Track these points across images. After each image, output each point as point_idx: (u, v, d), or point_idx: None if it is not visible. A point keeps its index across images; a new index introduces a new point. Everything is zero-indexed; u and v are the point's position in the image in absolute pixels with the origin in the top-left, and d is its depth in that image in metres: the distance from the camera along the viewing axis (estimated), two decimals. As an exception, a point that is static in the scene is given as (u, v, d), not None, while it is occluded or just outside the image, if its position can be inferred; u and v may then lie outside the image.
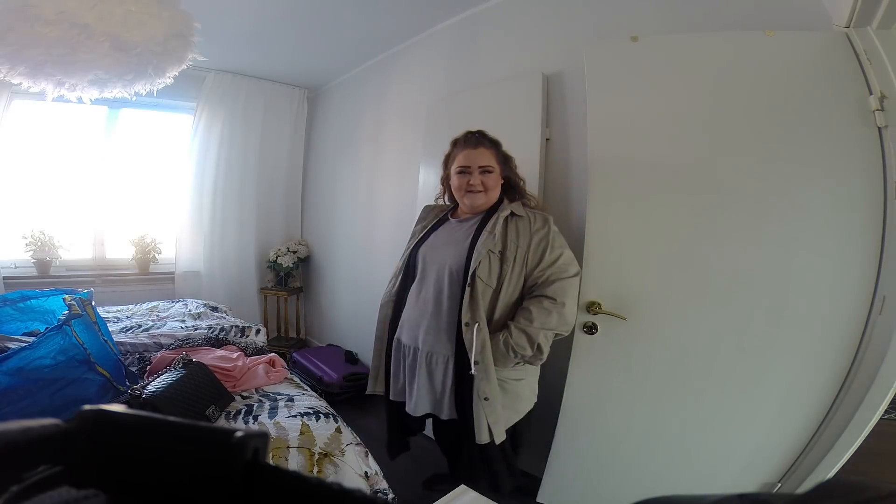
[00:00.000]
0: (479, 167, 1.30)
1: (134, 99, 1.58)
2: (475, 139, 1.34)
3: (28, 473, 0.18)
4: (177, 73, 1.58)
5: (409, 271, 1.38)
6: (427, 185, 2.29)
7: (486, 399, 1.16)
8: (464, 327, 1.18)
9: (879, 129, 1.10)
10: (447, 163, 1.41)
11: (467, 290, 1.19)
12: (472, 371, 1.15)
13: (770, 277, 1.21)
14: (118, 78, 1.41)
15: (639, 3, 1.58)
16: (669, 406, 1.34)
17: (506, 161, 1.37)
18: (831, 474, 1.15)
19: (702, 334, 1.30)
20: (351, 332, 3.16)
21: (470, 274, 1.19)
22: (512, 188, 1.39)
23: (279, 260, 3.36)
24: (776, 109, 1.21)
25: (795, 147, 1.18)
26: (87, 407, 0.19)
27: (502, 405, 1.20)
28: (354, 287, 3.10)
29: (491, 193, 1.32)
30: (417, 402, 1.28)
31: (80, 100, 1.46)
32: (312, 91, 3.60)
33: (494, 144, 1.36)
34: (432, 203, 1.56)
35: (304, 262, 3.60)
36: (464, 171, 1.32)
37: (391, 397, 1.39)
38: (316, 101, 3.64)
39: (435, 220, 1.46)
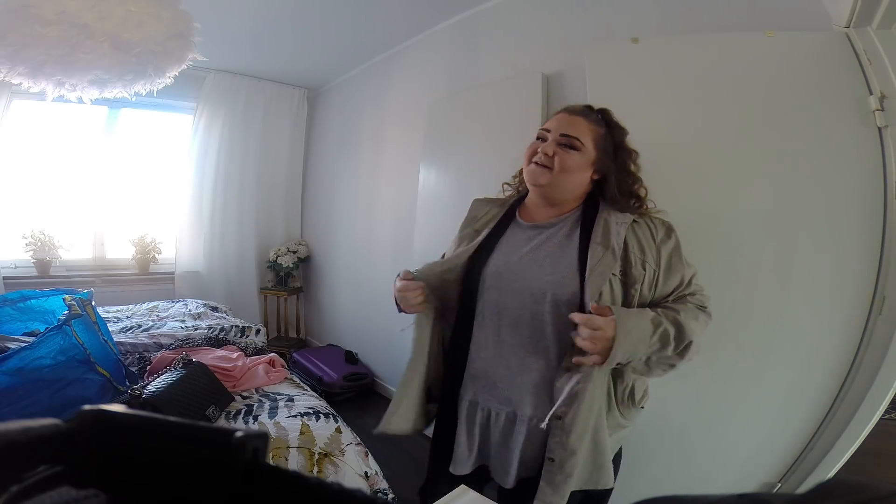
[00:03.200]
0: (562, 134, 0.92)
1: (134, 99, 1.59)
2: (580, 108, 0.98)
3: (28, 473, 0.18)
4: (177, 73, 1.58)
5: (469, 296, 0.96)
6: (427, 185, 2.29)
7: (551, 459, 0.85)
8: (562, 371, 0.85)
9: (879, 129, 1.10)
10: None
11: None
12: (543, 424, 0.84)
13: (770, 277, 1.21)
14: (118, 78, 1.41)
15: (639, 4, 1.58)
16: (669, 406, 1.34)
17: (615, 151, 0.96)
18: (831, 474, 1.15)
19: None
20: (351, 332, 3.16)
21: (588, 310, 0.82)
22: (619, 190, 0.97)
23: (279, 260, 3.36)
24: (776, 110, 1.21)
25: (795, 147, 1.18)
26: (86, 407, 0.19)
27: (618, 425, 0.94)
28: (354, 287, 3.10)
29: (562, 178, 0.92)
30: (518, 472, 0.93)
31: (80, 100, 1.46)
32: (312, 91, 3.61)
33: (605, 123, 0.96)
34: (486, 197, 1.13)
35: (304, 262, 3.60)
36: (541, 135, 0.97)
37: (461, 472, 0.96)
38: (316, 101, 3.64)
39: (494, 219, 1.03)
